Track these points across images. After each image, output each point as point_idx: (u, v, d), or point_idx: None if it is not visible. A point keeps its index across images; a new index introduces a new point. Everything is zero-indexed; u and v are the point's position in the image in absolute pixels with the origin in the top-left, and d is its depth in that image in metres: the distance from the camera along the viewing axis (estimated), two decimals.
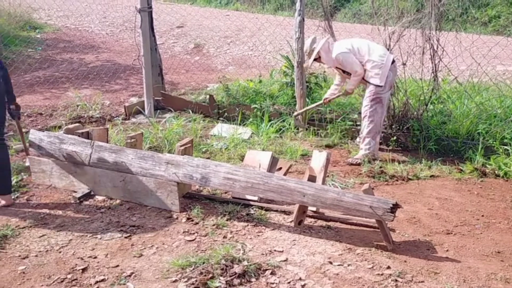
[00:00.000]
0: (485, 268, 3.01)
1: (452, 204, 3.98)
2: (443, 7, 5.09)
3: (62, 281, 2.70)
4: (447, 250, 3.23)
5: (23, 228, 3.28)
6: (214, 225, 3.36)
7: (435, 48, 5.12)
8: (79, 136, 3.87)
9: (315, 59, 5.06)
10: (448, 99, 5.81)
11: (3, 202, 3.61)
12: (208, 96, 6.29)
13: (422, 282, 2.81)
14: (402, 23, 5.20)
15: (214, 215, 3.52)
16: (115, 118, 5.95)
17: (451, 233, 3.48)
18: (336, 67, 5.02)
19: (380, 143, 5.09)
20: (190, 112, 5.99)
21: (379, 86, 4.69)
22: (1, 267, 2.83)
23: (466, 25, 10.29)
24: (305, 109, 5.55)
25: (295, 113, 5.59)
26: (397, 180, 4.44)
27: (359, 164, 4.76)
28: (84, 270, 2.81)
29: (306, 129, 5.58)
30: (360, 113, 5.47)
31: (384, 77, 4.68)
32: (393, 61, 4.81)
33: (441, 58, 5.17)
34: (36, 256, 2.95)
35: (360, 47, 4.80)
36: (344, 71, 5.01)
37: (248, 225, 3.40)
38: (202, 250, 3.04)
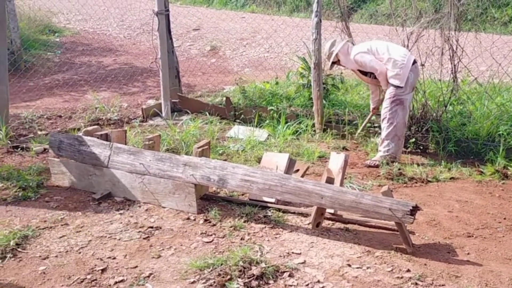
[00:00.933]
0: (508, 272, 2.94)
1: (472, 207, 3.92)
2: (462, 7, 5.03)
3: (82, 282, 2.72)
4: (468, 253, 3.17)
5: (43, 229, 3.32)
6: (231, 226, 3.36)
7: (454, 48, 5.06)
8: (98, 138, 3.91)
9: (334, 62, 5.04)
10: (468, 100, 5.73)
11: None
12: (224, 98, 6.30)
13: (443, 285, 2.76)
14: (420, 24, 5.14)
15: (231, 216, 3.52)
16: (132, 120, 6.01)
17: (472, 236, 3.42)
18: (358, 70, 4.97)
19: None
20: (207, 114, 6.01)
21: (399, 87, 4.63)
22: (22, 267, 2.87)
23: (485, 25, 10.13)
24: (362, 126, 5.45)
25: (356, 135, 5.47)
26: (416, 182, 4.39)
27: (377, 166, 4.71)
28: (103, 270, 2.83)
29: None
30: (378, 114, 5.43)
31: (404, 78, 4.61)
32: (414, 62, 4.73)
33: (460, 59, 5.10)
34: (56, 256, 2.98)
35: (379, 48, 4.76)
36: (365, 74, 4.95)
37: (265, 227, 3.39)
38: (219, 252, 3.04)
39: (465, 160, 4.92)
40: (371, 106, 5.33)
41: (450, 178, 4.49)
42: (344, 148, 5.24)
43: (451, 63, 5.16)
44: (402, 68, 4.61)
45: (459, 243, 3.31)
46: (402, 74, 4.61)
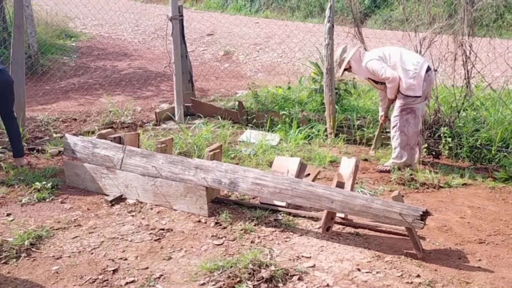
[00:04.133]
0: None
1: (485, 213, 3.88)
2: (476, 12, 5.00)
3: (93, 282, 2.77)
4: (479, 260, 3.15)
5: (57, 229, 3.38)
6: (242, 230, 3.39)
7: (468, 54, 5.03)
8: (111, 141, 3.97)
9: (345, 69, 4.94)
10: (482, 106, 5.68)
11: (18, 163, 4.49)
12: (237, 103, 6.34)
13: None
14: (433, 29, 5.13)
15: (242, 220, 3.54)
16: (146, 124, 6.08)
17: (484, 242, 3.39)
18: (368, 78, 4.85)
19: None
20: (219, 118, 6.05)
21: (411, 96, 4.54)
22: (36, 267, 2.93)
23: (501, 30, 10.04)
24: (375, 139, 5.25)
25: (371, 151, 5.26)
26: (428, 188, 4.36)
27: (388, 172, 4.69)
28: (115, 271, 2.87)
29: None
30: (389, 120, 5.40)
31: (419, 88, 4.47)
32: (428, 70, 4.54)
33: (474, 64, 5.07)
34: (69, 256, 3.04)
35: (392, 54, 4.62)
36: (376, 82, 4.84)
37: (275, 231, 3.41)
38: (230, 254, 3.06)
39: (478, 166, 4.88)
40: (380, 114, 5.13)
41: (463, 184, 4.46)
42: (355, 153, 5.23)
43: (464, 69, 5.12)
44: (415, 77, 4.47)
45: (471, 249, 3.28)
46: (416, 84, 4.48)
